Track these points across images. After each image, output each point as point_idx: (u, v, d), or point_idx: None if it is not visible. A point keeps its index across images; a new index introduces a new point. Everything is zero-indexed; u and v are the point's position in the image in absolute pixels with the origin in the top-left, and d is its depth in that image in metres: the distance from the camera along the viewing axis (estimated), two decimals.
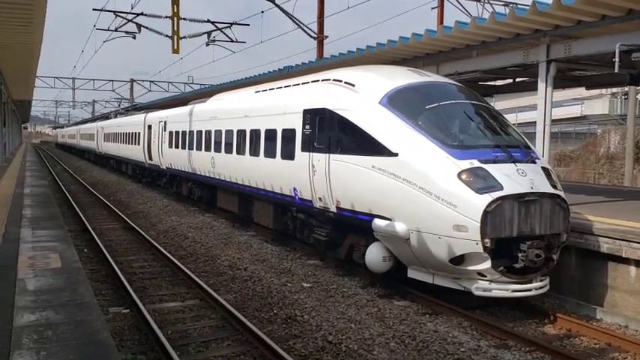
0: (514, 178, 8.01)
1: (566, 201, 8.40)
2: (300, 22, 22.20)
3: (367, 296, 9.20)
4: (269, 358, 6.58)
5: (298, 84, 12.30)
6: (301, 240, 12.28)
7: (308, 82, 11.84)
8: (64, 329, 5.05)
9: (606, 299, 8.71)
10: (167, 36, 19.56)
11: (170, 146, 20.81)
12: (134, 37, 23.86)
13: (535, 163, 8.61)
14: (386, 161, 8.68)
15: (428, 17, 27.61)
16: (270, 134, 12.37)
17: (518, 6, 10.35)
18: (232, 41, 24.95)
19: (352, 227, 9.92)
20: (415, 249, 8.41)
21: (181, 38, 19.16)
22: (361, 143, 9.26)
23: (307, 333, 7.47)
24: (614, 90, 34.20)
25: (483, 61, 11.94)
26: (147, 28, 23.17)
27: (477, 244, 7.68)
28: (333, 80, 10.77)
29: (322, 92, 10.70)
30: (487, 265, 7.83)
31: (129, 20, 23.07)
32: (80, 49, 61.12)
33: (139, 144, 26.19)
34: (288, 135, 11.49)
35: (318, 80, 11.43)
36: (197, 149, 17.58)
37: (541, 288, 8.24)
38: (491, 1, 24.14)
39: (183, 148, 19.02)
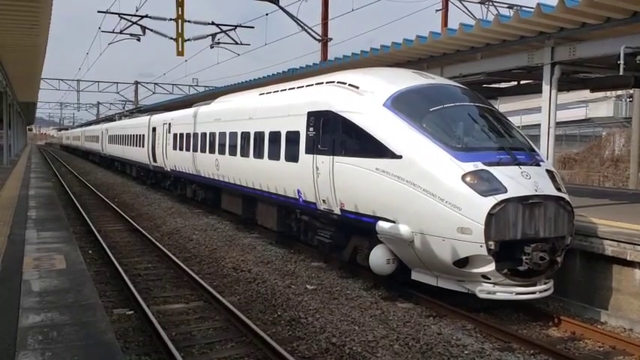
0: (518, 181, 7.99)
1: (570, 204, 8.38)
2: (304, 24, 22.23)
3: (371, 298, 9.20)
4: None
5: (302, 86, 12.31)
6: (305, 242, 12.29)
7: (312, 85, 11.84)
8: (68, 330, 5.07)
9: (611, 302, 8.69)
10: (172, 38, 19.62)
11: (174, 148, 20.85)
12: (139, 40, 23.97)
13: (539, 165, 8.59)
14: (390, 163, 8.67)
15: (432, 20, 27.66)
16: (275, 136, 12.38)
17: (523, 8, 10.33)
18: (237, 43, 25.02)
19: (356, 229, 9.92)
20: (419, 251, 8.41)
21: (186, 40, 19.19)
22: (365, 145, 9.26)
23: (311, 335, 7.48)
24: (619, 92, 34.16)
25: (488, 63, 11.94)
26: (151, 30, 23.27)
27: (481, 246, 7.67)
28: (338, 83, 10.77)
29: (326, 94, 10.70)
30: (491, 267, 7.81)
31: (134, 22, 23.15)
32: (85, 52, 61.08)
33: (143, 146, 26.24)
34: (293, 137, 11.50)
35: (322, 83, 11.44)
36: (201, 151, 17.60)
37: (545, 291, 8.22)
38: (496, 4, 24.16)
39: (188, 150, 19.05)
